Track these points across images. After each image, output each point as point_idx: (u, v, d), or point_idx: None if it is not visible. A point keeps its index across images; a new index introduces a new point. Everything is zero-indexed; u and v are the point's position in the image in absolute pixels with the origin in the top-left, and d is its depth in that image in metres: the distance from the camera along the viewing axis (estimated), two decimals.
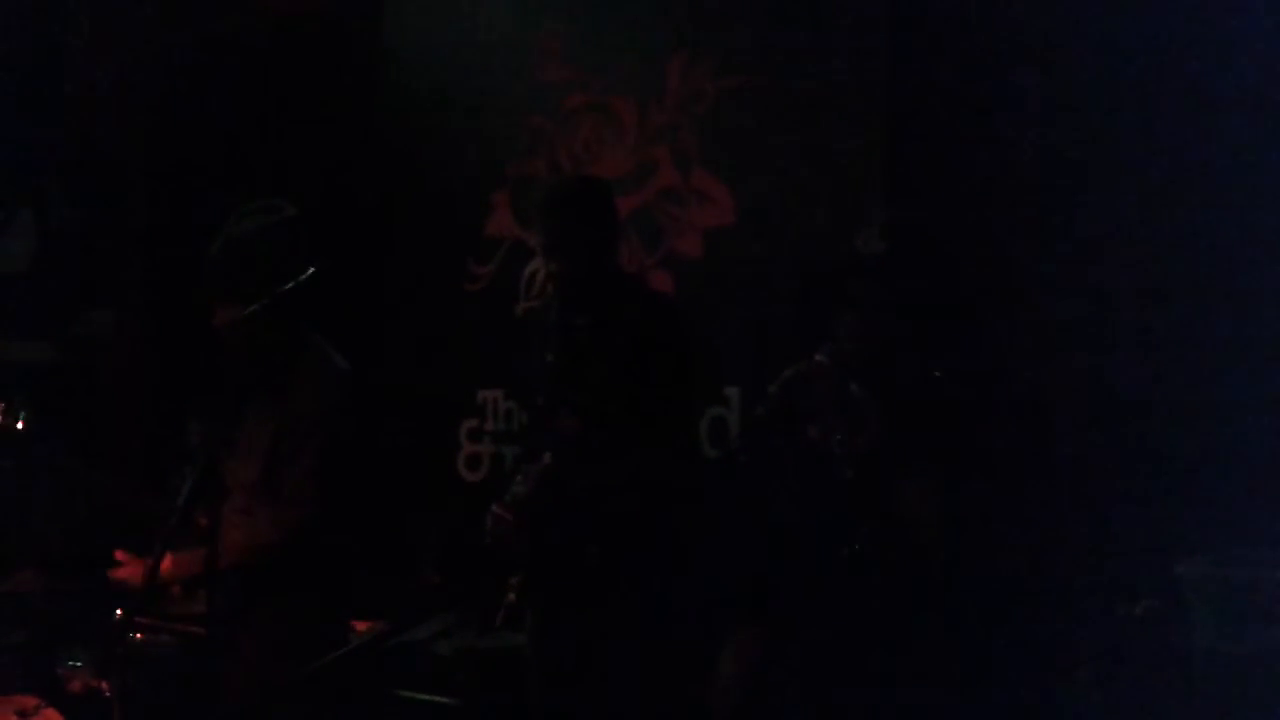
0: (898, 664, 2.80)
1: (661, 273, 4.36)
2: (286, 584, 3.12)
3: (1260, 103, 3.30)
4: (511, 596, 3.25)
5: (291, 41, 4.99)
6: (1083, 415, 3.49)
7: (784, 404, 3.05)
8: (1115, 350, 3.53)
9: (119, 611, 3.12)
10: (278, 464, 3.10)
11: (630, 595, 3.19)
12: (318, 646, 3.03)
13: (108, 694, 3.17)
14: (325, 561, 3.15)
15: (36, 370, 4.56)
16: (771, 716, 3.05)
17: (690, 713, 3.37)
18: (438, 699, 3.83)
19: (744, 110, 4.23)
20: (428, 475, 4.72)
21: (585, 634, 3.22)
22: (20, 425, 3.18)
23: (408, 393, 4.72)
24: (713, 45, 4.28)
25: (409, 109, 4.90)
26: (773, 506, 3.00)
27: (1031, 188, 3.70)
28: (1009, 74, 3.74)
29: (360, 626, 3.43)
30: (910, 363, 2.93)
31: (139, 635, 3.20)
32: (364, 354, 4.38)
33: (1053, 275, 3.65)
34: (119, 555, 3.17)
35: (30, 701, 3.30)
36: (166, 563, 3.00)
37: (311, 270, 3.17)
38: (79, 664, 3.29)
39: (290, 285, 3.13)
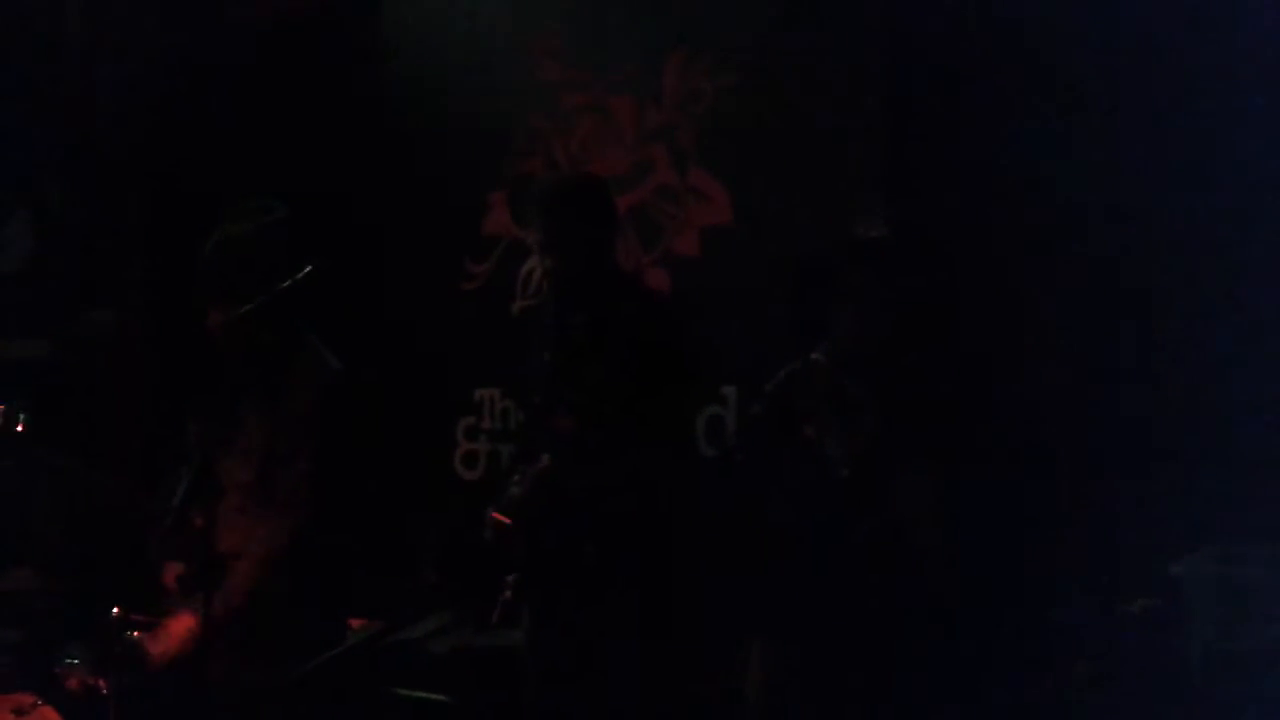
0: (895, 662, 2.80)
1: (658, 271, 4.36)
2: (284, 583, 3.12)
3: (1261, 96, 3.29)
4: (507, 594, 3.25)
5: (291, 40, 4.99)
6: (1081, 411, 3.48)
7: (780, 402, 3.05)
8: (1113, 346, 3.52)
9: (116, 609, 3.13)
10: (273, 464, 3.11)
11: (626, 594, 3.20)
12: (315, 645, 3.04)
13: (105, 692, 3.18)
14: (322, 561, 3.15)
15: (35, 369, 4.56)
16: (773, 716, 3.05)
17: (687, 711, 3.37)
18: (434, 697, 3.83)
19: (741, 109, 4.22)
20: (425, 474, 4.72)
21: (581, 632, 3.22)
22: (20, 428, 3.19)
23: (405, 391, 4.72)
24: (710, 44, 4.28)
25: (406, 108, 4.90)
26: (769, 506, 3.00)
27: (1031, 184, 3.70)
28: (1008, 71, 3.73)
29: (356, 624, 3.44)
30: (908, 359, 2.92)
31: (136, 633, 3.20)
32: (361, 353, 4.41)
33: (1052, 271, 3.64)
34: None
35: (27, 699, 3.31)
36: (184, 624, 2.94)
37: (308, 269, 3.17)
38: (76, 662, 3.29)
39: (287, 284, 3.13)
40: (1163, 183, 3.51)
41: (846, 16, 4.03)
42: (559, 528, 3.20)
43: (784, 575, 3.00)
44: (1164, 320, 3.46)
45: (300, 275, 3.16)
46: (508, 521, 3.18)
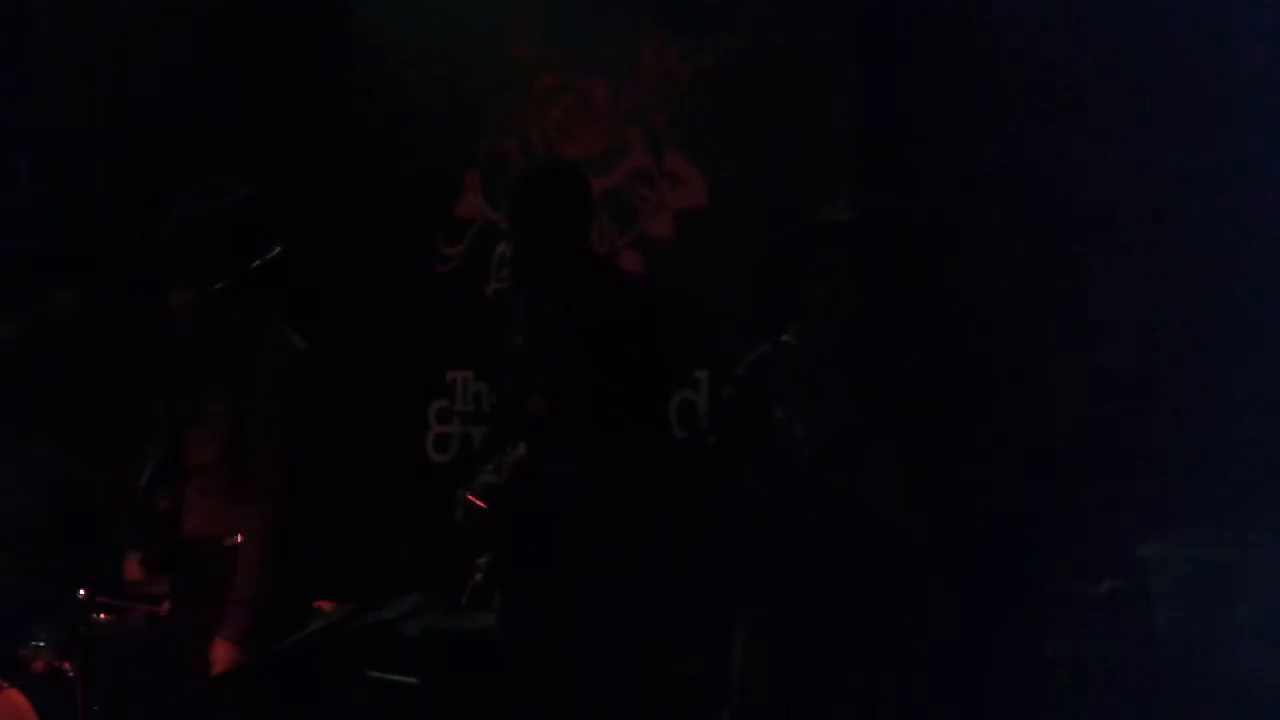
0: (862, 645, 2.80)
1: (632, 254, 4.35)
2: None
3: (1255, 92, 3.31)
4: (478, 577, 3.25)
5: (262, 19, 4.95)
6: (1048, 396, 3.50)
7: (751, 385, 3.05)
8: (1080, 333, 3.54)
9: (82, 591, 3.11)
10: (238, 445, 3.09)
11: (598, 576, 3.19)
12: (282, 627, 3.02)
13: (71, 674, 3.16)
14: (290, 543, 3.14)
15: (1, 348, 4.51)
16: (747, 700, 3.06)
17: (659, 693, 3.37)
18: (405, 679, 3.83)
19: (716, 92, 4.21)
20: (397, 456, 4.70)
21: (553, 614, 3.22)
22: None
23: (377, 373, 4.70)
24: (685, 27, 4.27)
25: (380, 87, 4.87)
26: (736, 488, 3.00)
27: (1004, 170, 3.71)
28: (984, 57, 3.74)
29: (327, 606, 3.43)
30: (878, 342, 2.92)
31: (102, 615, 3.18)
32: (333, 335, 4.39)
33: (1023, 257, 3.66)
34: None
35: None
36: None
37: (278, 250, 3.15)
38: (42, 644, 3.27)
39: (257, 265, 3.11)
40: (1133, 172, 3.52)
41: (821, 1, 4.02)
42: (531, 511, 3.19)
43: (754, 556, 3.00)
44: (1130, 308, 3.48)
45: (270, 256, 3.14)
46: (483, 505, 3.17)
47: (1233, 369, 3.28)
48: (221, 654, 3.02)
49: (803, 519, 2.85)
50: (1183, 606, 3.05)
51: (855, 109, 3.94)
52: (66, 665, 3.19)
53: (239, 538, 3.04)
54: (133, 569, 3.23)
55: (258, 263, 3.11)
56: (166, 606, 3.29)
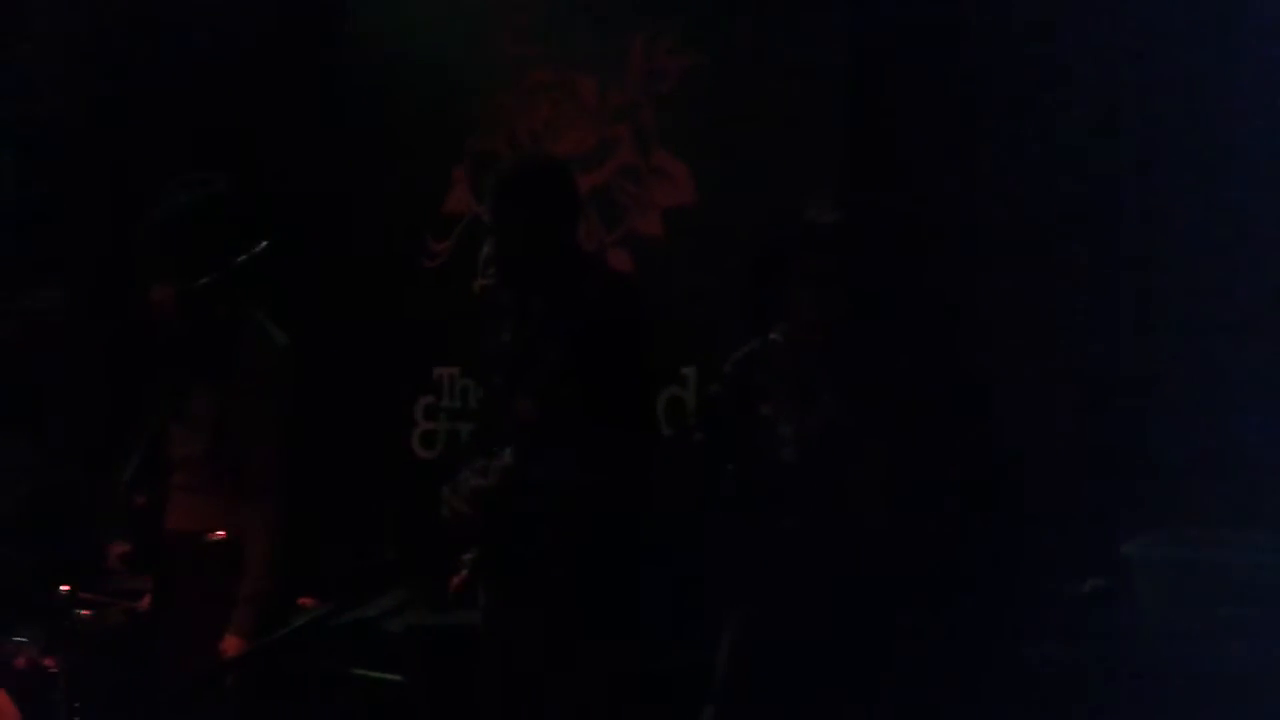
0: (844, 643, 2.80)
1: (620, 251, 4.34)
2: (233, 560, 3.10)
3: (1249, 88, 3.31)
4: (464, 573, 3.24)
5: (250, 13, 4.93)
6: (1033, 396, 3.50)
7: (738, 383, 3.05)
8: (1066, 333, 3.54)
9: (64, 588, 3.10)
10: (222, 441, 3.08)
11: (584, 573, 3.19)
12: (265, 623, 3.02)
13: (53, 670, 3.15)
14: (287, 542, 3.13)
15: None
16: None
17: (643, 691, 3.37)
18: (389, 677, 3.82)
19: (705, 89, 4.21)
20: (383, 452, 4.69)
21: (538, 611, 3.21)
22: None
23: (364, 369, 4.69)
24: (674, 24, 4.26)
25: (370, 82, 4.85)
26: (721, 486, 3.00)
27: (992, 170, 3.71)
28: (972, 54, 3.74)
29: (310, 603, 3.42)
30: (865, 341, 2.92)
31: (84, 612, 3.17)
32: (320, 330, 4.38)
33: (1008, 257, 3.66)
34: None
35: None
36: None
37: (264, 245, 3.14)
38: (24, 640, 3.26)
39: (243, 260, 3.10)
40: (1120, 171, 3.52)
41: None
42: (517, 508, 3.18)
43: (739, 554, 3.00)
44: (1115, 307, 3.48)
45: (256, 251, 3.13)
46: (469, 510, 3.16)
47: (1218, 370, 3.29)
48: (233, 648, 3.05)
49: (785, 519, 2.85)
50: (1165, 604, 3.05)
51: (843, 107, 3.94)
52: (49, 662, 3.18)
53: (222, 534, 3.03)
54: (114, 561, 3.22)
55: (250, 256, 3.10)
56: (148, 602, 3.27)
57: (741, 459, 2.94)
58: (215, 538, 3.05)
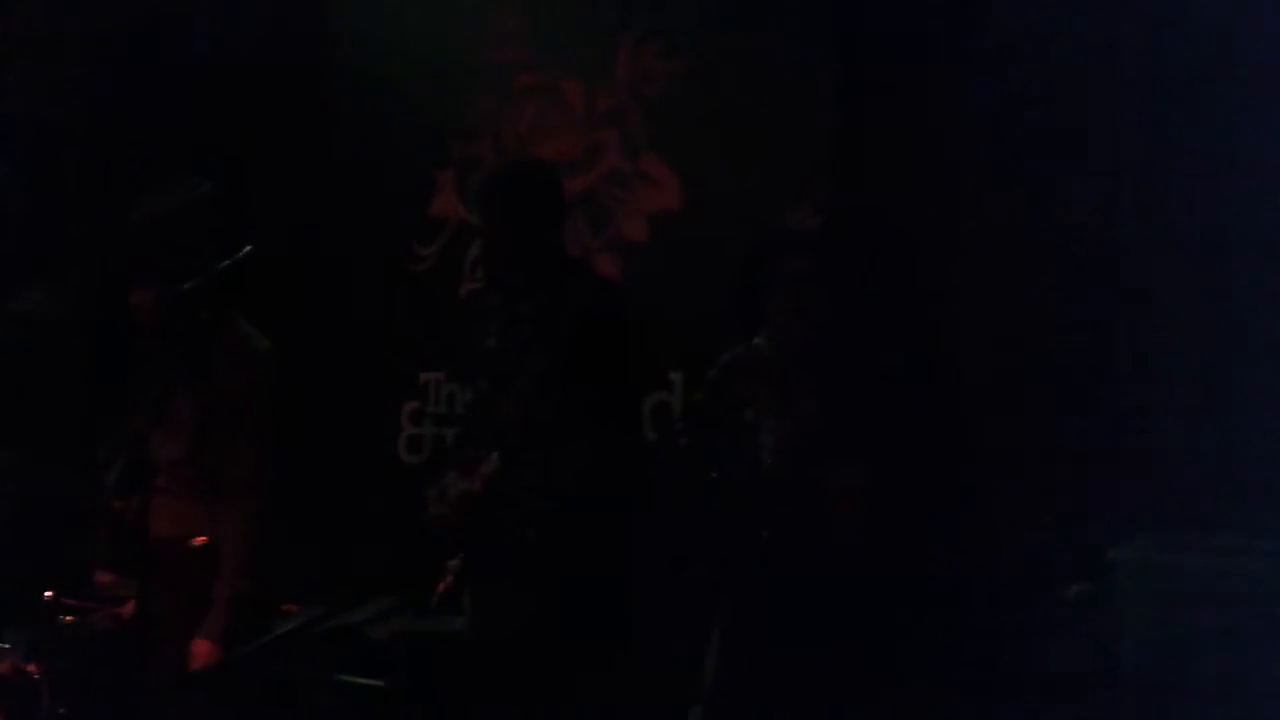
0: (820, 651, 2.80)
1: (607, 256, 4.34)
2: (216, 566, 3.09)
3: (1242, 85, 3.32)
4: (449, 579, 3.24)
5: (238, 15, 4.92)
6: (1017, 401, 3.51)
7: (722, 388, 3.04)
8: (1051, 337, 3.55)
9: (48, 594, 3.09)
10: (204, 445, 3.08)
11: (569, 579, 3.18)
12: (248, 629, 3.01)
13: (37, 676, 3.14)
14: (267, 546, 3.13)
15: None
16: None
17: (628, 694, 3.37)
18: (374, 683, 3.81)
19: (692, 94, 4.21)
20: (368, 457, 4.68)
21: (523, 618, 3.21)
22: None
23: (349, 374, 4.68)
24: (661, 28, 4.27)
25: (355, 86, 4.85)
26: (702, 493, 2.99)
27: (980, 173, 3.71)
28: (961, 57, 3.75)
29: (295, 609, 3.41)
30: (848, 346, 2.92)
31: (68, 617, 3.16)
32: (306, 335, 4.37)
33: (994, 262, 3.67)
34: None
35: None
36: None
37: (249, 249, 3.13)
38: (7, 646, 3.25)
39: (227, 264, 3.10)
40: (1112, 172, 3.53)
41: (798, 3, 4.02)
42: (503, 513, 3.18)
43: (722, 558, 2.99)
44: (1102, 310, 3.49)
45: (240, 255, 3.12)
46: (453, 514, 3.15)
47: (1207, 373, 3.30)
48: (201, 651, 3.02)
49: (763, 528, 2.84)
50: (1151, 610, 3.06)
51: (829, 111, 3.94)
52: (32, 667, 3.17)
53: (204, 539, 3.03)
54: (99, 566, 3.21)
55: (235, 260, 3.09)
56: (132, 608, 3.26)
57: (724, 466, 2.93)
58: (197, 543, 3.05)
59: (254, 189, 4.24)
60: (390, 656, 3.75)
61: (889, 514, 2.75)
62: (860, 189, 3.78)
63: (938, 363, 2.98)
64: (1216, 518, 3.14)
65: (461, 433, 3.48)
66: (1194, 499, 3.19)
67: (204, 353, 3.12)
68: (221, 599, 3.04)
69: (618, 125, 4.36)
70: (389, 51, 4.76)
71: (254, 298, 3.21)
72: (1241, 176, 3.31)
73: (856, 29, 3.91)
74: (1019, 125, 3.63)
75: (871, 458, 2.77)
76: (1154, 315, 3.41)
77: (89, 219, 4.86)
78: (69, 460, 3.76)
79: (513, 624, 3.23)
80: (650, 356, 3.67)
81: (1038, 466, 3.43)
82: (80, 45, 5.02)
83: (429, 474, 3.53)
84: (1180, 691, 2.95)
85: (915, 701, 2.82)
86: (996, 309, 3.61)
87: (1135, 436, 3.34)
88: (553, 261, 3.30)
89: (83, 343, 4.53)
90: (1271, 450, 3.14)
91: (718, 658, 2.97)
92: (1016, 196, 3.63)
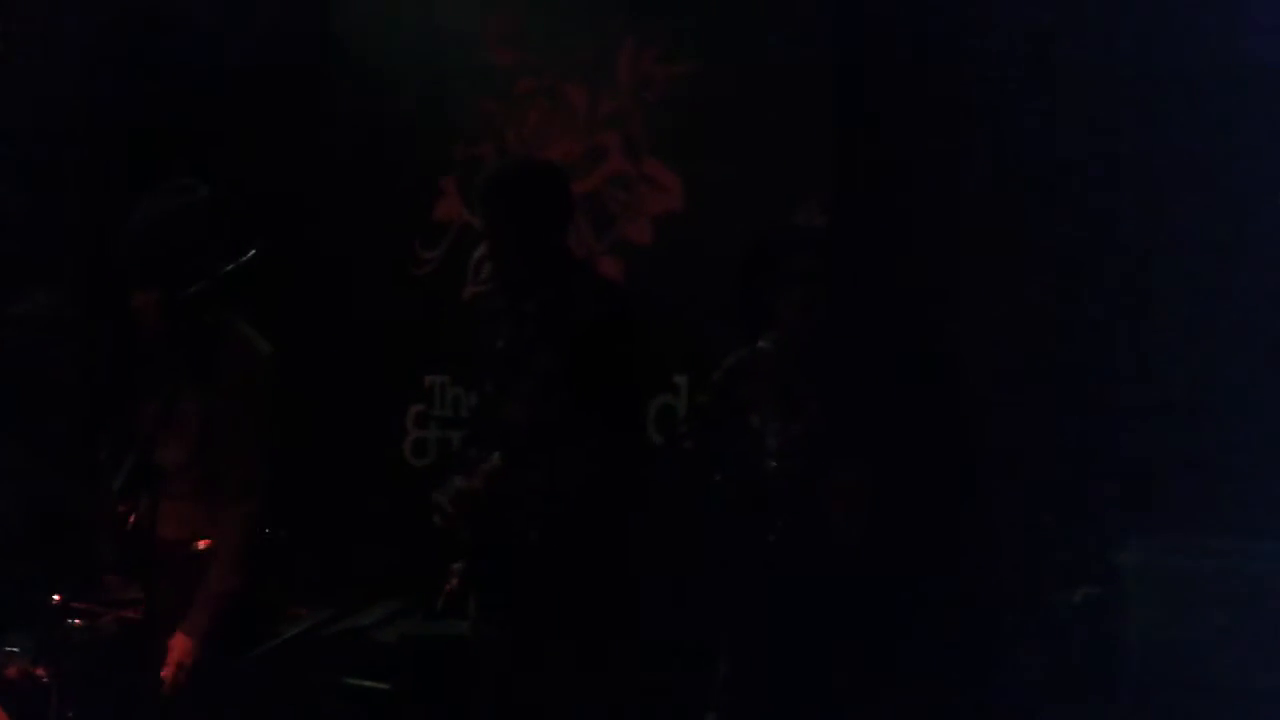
0: (826, 655, 2.80)
1: (610, 259, 4.35)
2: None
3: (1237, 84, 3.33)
4: (455, 582, 3.24)
5: (240, 21, 4.93)
6: (1023, 403, 3.51)
7: (726, 392, 3.05)
8: (1057, 340, 3.55)
9: (56, 597, 3.09)
10: (207, 448, 3.08)
11: (573, 581, 3.19)
12: (254, 633, 3.02)
13: (45, 680, 3.15)
14: (262, 544, 3.13)
15: None
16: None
17: (635, 699, 3.38)
18: (381, 686, 3.82)
19: (694, 97, 4.22)
20: (374, 460, 4.69)
21: (528, 620, 3.21)
22: None
23: (354, 377, 4.69)
24: (662, 31, 4.28)
25: (358, 91, 4.86)
26: (707, 496, 3.00)
27: (982, 174, 3.72)
28: (959, 58, 3.75)
29: (302, 612, 3.42)
30: (852, 348, 2.93)
31: (76, 621, 3.17)
32: (311, 339, 4.38)
33: (998, 264, 3.67)
34: None
35: None
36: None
37: (252, 253, 3.13)
38: (15, 650, 3.26)
39: (231, 268, 3.10)
40: (1113, 173, 3.54)
41: (798, 5, 4.03)
42: (507, 516, 3.19)
43: (731, 560, 3.00)
44: (1107, 314, 3.50)
45: (245, 259, 3.12)
46: (456, 511, 3.16)
47: (1212, 378, 3.30)
48: (179, 646, 3.01)
49: (768, 530, 2.85)
50: (1158, 613, 3.06)
51: (831, 114, 3.95)
52: (40, 671, 3.18)
53: (209, 542, 3.03)
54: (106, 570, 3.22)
55: (240, 264, 3.09)
56: (140, 612, 3.27)
57: (729, 468, 2.94)
58: (202, 546, 3.05)
59: (257, 192, 4.24)
60: (397, 659, 3.76)
61: (893, 515, 2.76)
62: (861, 190, 3.78)
63: (941, 366, 2.99)
64: (1226, 521, 3.14)
65: (467, 435, 3.48)
66: (1202, 502, 3.19)
67: (206, 356, 3.11)
68: (206, 595, 3.01)
69: (620, 128, 4.37)
70: (391, 56, 4.78)
71: (259, 302, 3.21)
72: (1241, 177, 3.31)
73: (857, 30, 3.92)
74: (1020, 125, 3.63)
75: (876, 460, 2.77)
76: (1155, 317, 3.41)
77: (89, 220, 4.86)
78: (79, 463, 3.77)
79: (518, 626, 3.23)
80: (655, 359, 3.68)
81: (1045, 469, 3.43)
82: (80, 45, 5.03)
83: (435, 477, 3.54)
84: (1189, 696, 2.95)
85: (920, 701, 2.82)
86: (998, 312, 3.61)
87: (1143, 440, 3.34)
88: (558, 262, 3.31)
89: (84, 345, 4.54)
90: (1273, 453, 3.14)
91: (728, 662, 2.98)
92: (1023, 195, 3.63)
